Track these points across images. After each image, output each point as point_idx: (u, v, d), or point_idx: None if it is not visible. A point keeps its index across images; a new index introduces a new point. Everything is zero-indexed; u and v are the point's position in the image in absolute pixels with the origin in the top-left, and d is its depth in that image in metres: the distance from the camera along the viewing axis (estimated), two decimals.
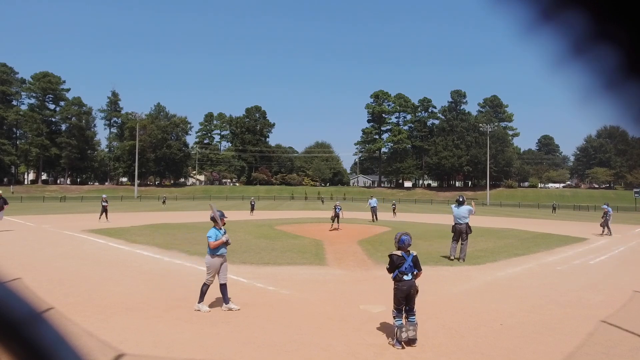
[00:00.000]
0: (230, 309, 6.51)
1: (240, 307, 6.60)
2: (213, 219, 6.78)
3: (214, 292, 6.66)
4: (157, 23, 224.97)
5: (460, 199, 11.18)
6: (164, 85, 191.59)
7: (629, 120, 0.44)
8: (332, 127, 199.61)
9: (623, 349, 5.08)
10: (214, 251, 6.58)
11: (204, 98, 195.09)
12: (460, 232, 10.89)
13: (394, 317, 5.22)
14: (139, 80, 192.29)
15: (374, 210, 25.15)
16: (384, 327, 5.72)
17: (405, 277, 5.24)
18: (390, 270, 5.38)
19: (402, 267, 5.26)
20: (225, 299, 6.59)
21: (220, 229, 6.71)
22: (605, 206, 20.09)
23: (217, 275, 6.63)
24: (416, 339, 5.11)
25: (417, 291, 5.33)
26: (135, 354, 4.70)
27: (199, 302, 6.50)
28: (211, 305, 6.65)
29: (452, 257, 10.95)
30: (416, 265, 5.37)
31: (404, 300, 5.21)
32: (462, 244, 10.92)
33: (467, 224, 10.95)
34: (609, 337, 5.53)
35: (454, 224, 11.13)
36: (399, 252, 5.38)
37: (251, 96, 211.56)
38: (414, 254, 5.41)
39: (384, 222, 23.97)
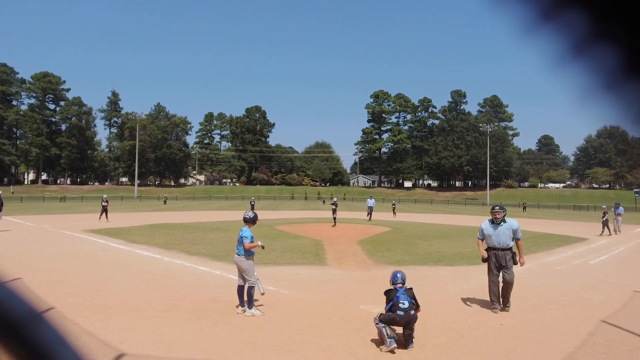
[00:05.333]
0: (244, 311, 6.33)
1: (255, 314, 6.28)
2: (251, 219, 6.69)
3: (213, 292, 6.65)
4: (157, 23, 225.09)
5: (499, 208, 7.03)
6: (164, 85, 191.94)
7: (629, 120, 0.44)
8: (332, 127, 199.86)
9: (623, 349, 5.08)
10: (248, 252, 6.40)
11: (204, 98, 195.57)
12: (500, 263, 6.79)
13: (375, 324, 5.09)
14: (139, 80, 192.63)
15: (370, 209, 26.85)
16: None
17: (401, 305, 5.02)
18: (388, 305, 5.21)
19: (396, 297, 5.12)
20: (242, 301, 6.40)
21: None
22: (604, 206, 20.23)
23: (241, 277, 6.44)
24: None
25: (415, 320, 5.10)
26: (135, 354, 4.70)
27: (249, 308, 6.26)
28: (217, 307, 6.64)
29: (495, 308, 6.67)
30: (413, 298, 5.21)
31: (395, 326, 5.04)
32: (504, 281, 6.77)
33: (510, 249, 6.86)
34: (609, 337, 5.53)
35: (486, 247, 7.03)
36: (392, 287, 5.33)
37: (251, 96, 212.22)
38: (407, 287, 5.30)
39: (384, 222, 23.98)
